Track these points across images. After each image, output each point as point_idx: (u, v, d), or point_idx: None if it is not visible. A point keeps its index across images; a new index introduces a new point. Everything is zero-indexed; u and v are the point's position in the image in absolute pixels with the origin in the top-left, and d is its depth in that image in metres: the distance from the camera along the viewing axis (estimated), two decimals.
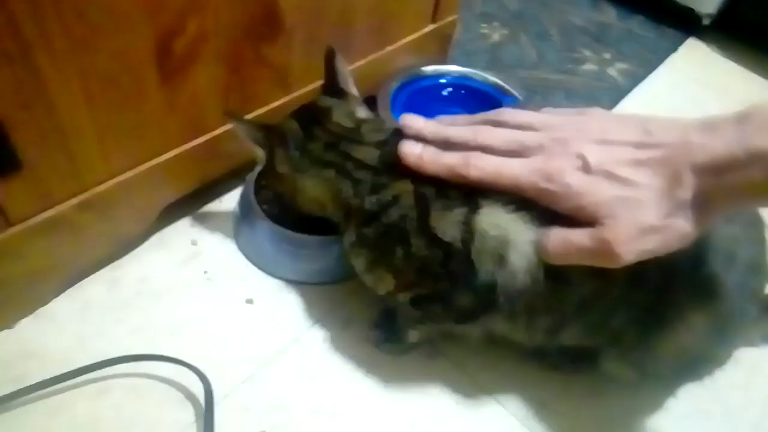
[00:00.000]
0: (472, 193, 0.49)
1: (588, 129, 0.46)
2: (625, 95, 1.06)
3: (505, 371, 0.64)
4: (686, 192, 0.40)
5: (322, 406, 0.59)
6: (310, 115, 0.60)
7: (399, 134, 0.55)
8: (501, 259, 0.47)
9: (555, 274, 0.47)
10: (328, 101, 0.61)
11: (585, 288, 0.49)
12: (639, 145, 0.42)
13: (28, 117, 0.48)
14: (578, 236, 0.44)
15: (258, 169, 0.69)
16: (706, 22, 1.24)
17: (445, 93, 0.88)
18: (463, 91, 0.88)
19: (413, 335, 0.63)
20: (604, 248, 0.42)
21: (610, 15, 1.27)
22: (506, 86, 0.88)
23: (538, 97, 1.00)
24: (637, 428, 0.62)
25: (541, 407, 0.62)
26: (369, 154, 0.56)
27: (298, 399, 0.59)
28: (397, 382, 0.62)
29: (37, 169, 0.52)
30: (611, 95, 1.05)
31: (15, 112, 0.47)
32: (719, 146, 0.39)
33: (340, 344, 0.64)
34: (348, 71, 0.64)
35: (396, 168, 0.52)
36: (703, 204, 0.40)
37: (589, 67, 1.11)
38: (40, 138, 0.50)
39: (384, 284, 0.56)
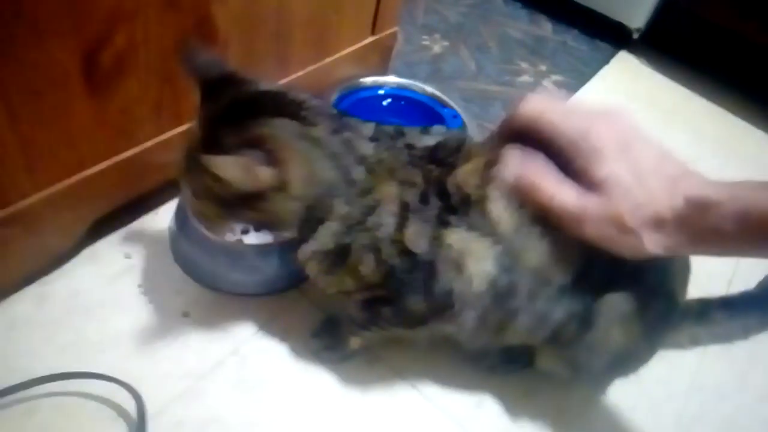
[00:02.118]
0: (446, 207, 0.51)
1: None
2: None
3: (442, 375, 0.65)
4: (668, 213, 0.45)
5: (260, 418, 0.59)
6: (284, 103, 0.52)
7: (399, 135, 0.54)
8: (460, 267, 0.51)
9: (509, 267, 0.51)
10: (298, 90, 0.54)
11: (533, 277, 0.52)
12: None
13: None
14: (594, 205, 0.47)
15: None
16: (635, 36, 1.31)
17: (384, 104, 0.90)
18: (402, 102, 0.90)
19: (355, 342, 0.63)
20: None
21: (546, 28, 1.32)
22: (444, 98, 0.90)
23: (476, 107, 1.03)
24: (569, 424, 0.65)
25: (477, 408, 0.64)
26: (367, 148, 0.53)
27: (235, 413, 0.59)
28: (337, 390, 0.63)
29: None
30: None
31: None
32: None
33: (278, 355, 0.64)
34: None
35: (384, 167, 0.52)
36: (676, 231, 0.45)
37: (525, 78, 1.15)
38: None
39: (342, 285, 0.56)
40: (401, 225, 0.51)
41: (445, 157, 0.53)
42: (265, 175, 0.48)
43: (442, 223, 0.51)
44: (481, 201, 0.51)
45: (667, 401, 0.69)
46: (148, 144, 0.65)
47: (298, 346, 0.65)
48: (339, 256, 0.54)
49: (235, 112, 0.51)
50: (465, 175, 0.52)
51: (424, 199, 0.52)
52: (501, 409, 0.64)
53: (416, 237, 0.51)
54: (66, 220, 0.62)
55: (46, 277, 0.64)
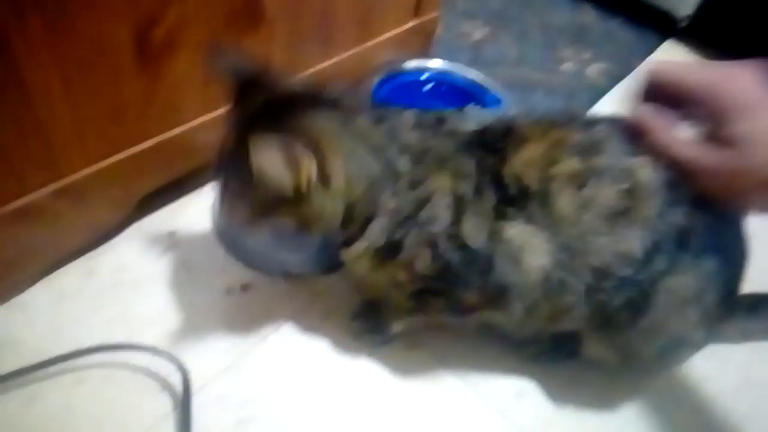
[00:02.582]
0: (502, 198, 0.50)
1: None
2: (604, 95, 1.08)
3: (483, 362, 0.64)
4: None
5: (301, 396, 0.59)
6: (322, 96, 0.50)
7: (441, 121, 0.52)
8: (517, 261, 0.50)
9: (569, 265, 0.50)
10: (333, 86, 0.53)
11: (593, 273, 0.50)
12: None
13: (1, 101, 0.48)
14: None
15: None
16: (683, 24, 1.26)
17: (426, 88, 0.89)
18: (444, 87, 0.89)
19: (396, 327, 0.63)
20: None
21: (590, 16, 1.29)
22: (487, 83, 0.89)
23: (517, 94, 1.01)
24: (614, 417, 0.63)
25: (518, 397, 0.63)
26: (411, 138, 0.51)
27: (277, 389, 0.59)
28: (377, 373, 0.62)
29: (11, 154, 0.51)
30: (590, 94, 1.06)
31: None
32: None
33: (319, 335, 0.64)
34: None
35: (433, 157, 0.51)
36: None
37: (568, 66, 1.12)
38: (14, 124, 0.50)
39: (393, 279, 0.55)
40: (457, 219, 0.50)
41: (493, 143, 0.52)
42: (307, 164, 0.45)
43: (500, 215, 0.50)
44: (543, 194, 0.49)
45: (716, 398, 0.66)
46: (195, 123, 0.66)
47: (339, 328, 0.65)
48: (389, 252, 0.53)
49: (271, 110, 0.49)
50: (523, 165, 0.50)
51: (478, 191, 0.50)
52: (543, 399, 0.63)
53: (474, 231, 0.50)
54: (115, 195, 0.63)
55: (93, 251, 0.66)
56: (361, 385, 0.61)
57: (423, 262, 0.52)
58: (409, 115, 0.53)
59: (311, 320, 0.65)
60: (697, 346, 0.58)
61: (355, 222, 0.52)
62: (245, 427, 0.56)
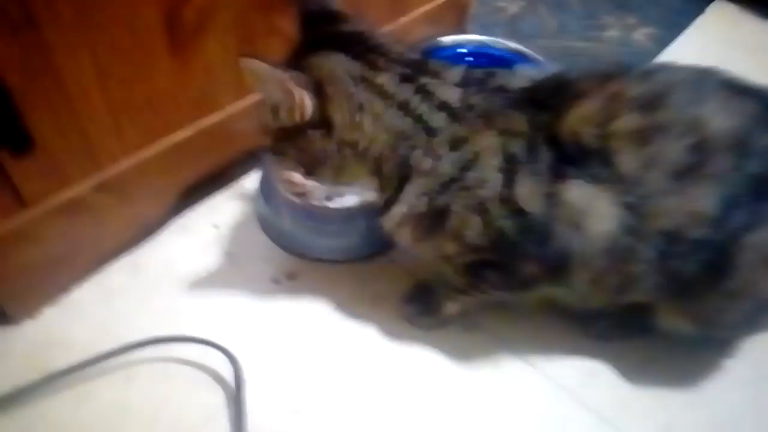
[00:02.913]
0: (559, 157, 0.46)
1: None
2: (653, 59, 1.02)
3: (548, 342, 0.60)
4: None
5: (354, 384, 0.56)
6: (356, 42, 0.49)
7: (489, 76, 0.49)
8: (579, 227, 0.46)
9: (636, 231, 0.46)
10: (362, 25, 0.51)
11: (665, 236, 0.46)
12: None
13: (37, 91, 0.47)
14: None
15: None
16: None
17: (465, 62, 0.85)
18: (484, 60, 0.85)
19: (451, 307, 0.59)
20: None
21: None
22: (529, 52, 0.84)
23: (561, 65, 0.96)
24: (696, 396, 0.57)
25: (590, 378, 0.58)
26: (452, 95, 0.48)
27: (330, 378, 0.56)
28: (434, 358, 0.59)
29: (50, 147, 0.50)
30: (638, 59, 1.00)
31: (24, 85, 0.45)
32: None
33: (370, 321, 0.61)
34: None
35: (477, 114, 0.47)
36: None
37: (613, 33, 1.07)
38: (51, 114, 0.49)
39: (442, 251, 0.51)
40: (509, 181, 0.46)
41: (546, 99, 0.48)
42: (300, 98, 0.46)
43: (558, 176, 0.46)
44: (602, 152, 0.45)
45: None
46: (231, 110, 0.64)
47: (390, 313, 0.61)
48: (436, 220, 0.49)
49: (310, 46, 0.49)
50: (579, 121, 0.46)
51: (532, 150, 0.46)
52: (618, 379, 0.58)
53: (529, 194, 0.46)
54: (156, 187, 0.62)
55: (139, 248, 0.64)
56: (418, 371, 0.58)
57: (473, 231, 0.48)
58: (455, 73, 0.49)
59: (361, 306, 0.62)
60: None
61: (388, 182, 0.50)
62: (299, 417, 0.54)
